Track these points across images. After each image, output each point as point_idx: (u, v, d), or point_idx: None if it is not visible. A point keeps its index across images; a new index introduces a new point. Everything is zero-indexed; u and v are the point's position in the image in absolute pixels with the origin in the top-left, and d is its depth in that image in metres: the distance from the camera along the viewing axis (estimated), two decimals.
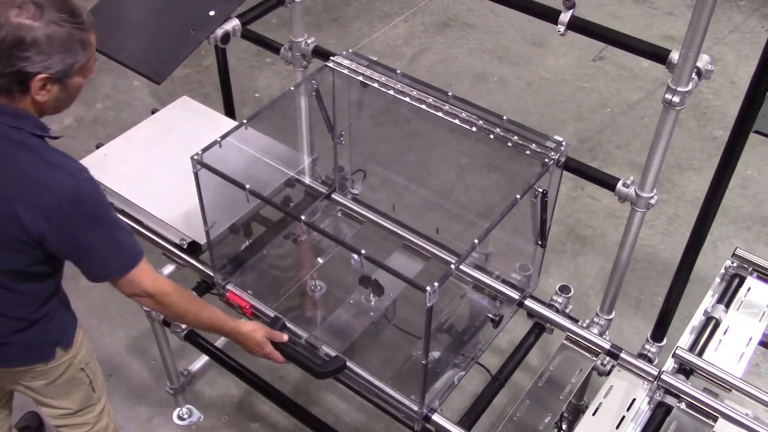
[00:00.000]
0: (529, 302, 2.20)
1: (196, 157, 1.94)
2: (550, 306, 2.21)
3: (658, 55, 1.88)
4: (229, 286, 2.20)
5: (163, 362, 2.54)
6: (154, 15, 2.54)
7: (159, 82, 2.38)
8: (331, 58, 2.27)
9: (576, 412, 2.39)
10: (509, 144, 2.01)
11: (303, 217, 1.97)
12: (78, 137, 3.72)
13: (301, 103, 2.32)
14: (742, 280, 2.22)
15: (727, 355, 2.01)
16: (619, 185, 2.06)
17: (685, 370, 1.99)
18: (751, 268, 2.24)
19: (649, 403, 1.96)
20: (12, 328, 1.78)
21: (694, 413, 1.91)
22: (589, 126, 4.01)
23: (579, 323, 2.18)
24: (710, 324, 2.10)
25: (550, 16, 1.98)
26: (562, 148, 1.98)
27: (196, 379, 2.75)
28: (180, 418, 2.73)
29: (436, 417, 1.93)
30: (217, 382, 2.85)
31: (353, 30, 4.69)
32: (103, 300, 3.07)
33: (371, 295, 2.18)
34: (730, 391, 1.91)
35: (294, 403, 2.35)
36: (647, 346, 2.24)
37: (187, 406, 2.74)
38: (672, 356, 1.99)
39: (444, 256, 2.31)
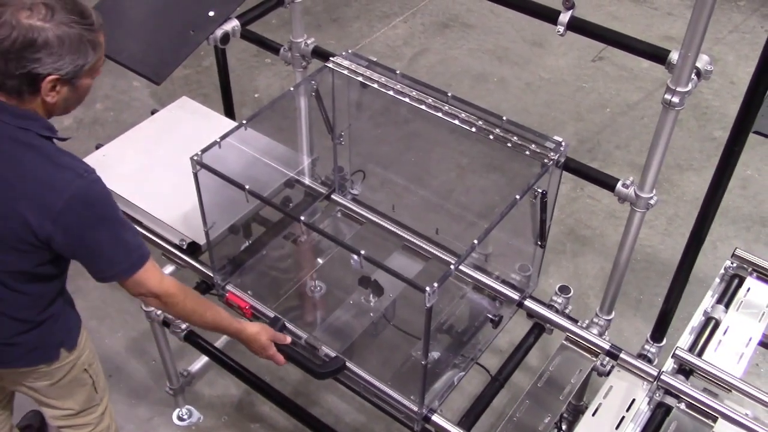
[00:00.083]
0: (528, 302, 2.20)
1: (195, 158, 1.94)
2: (549, 306, 2.21)
3: (657, 55, 1.88)
4: (228, 287, 2.20)
5: (162, 363, 2.54)
6: (153, 16, 2.54)
7: (158, 82, 2.38)
8: (331, 58, 2.27)
9: (576, 412, 2.39)
10: (509, 144, 2.01)
11: (303, 218, 1.97)
12: (78, 138, 3.72)
13: (300, 103, 2.32)
14: (742, 280, 2.22)
15: (727, 356, 2.01)
16: (619, 186, 2.06)
17: (684, 370, 1.99)
18: (750, 269, 2.24)
19: (648, 403, 1.96)
20: (17, 329, 1.78)
21: (693, 413, 1.91)
22: (589, 126, 4.01)
23: (579, 324, 2.18)
24: (710, 324, 2.10)
25: (550, 16, 1.99)
26: (562, 149, 1.98)
27: (196, 379, 2.75)
28: (180, 418, 2.73)
29: (435, 417, 1.93)
30: (216, 383, 2.85)
31: (353, 30, 4.69)
32: (103, 300, 3.07)
33: (371, 295, 2.18)
34: (730, 391, 1.91)
35: (294, 403, 2.35)
36: (647, 347, 2.24)
37: (187, 406, 2.74)
38: (672, 356, 1.99)
39: (444, 257, 2.31)
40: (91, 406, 2.07)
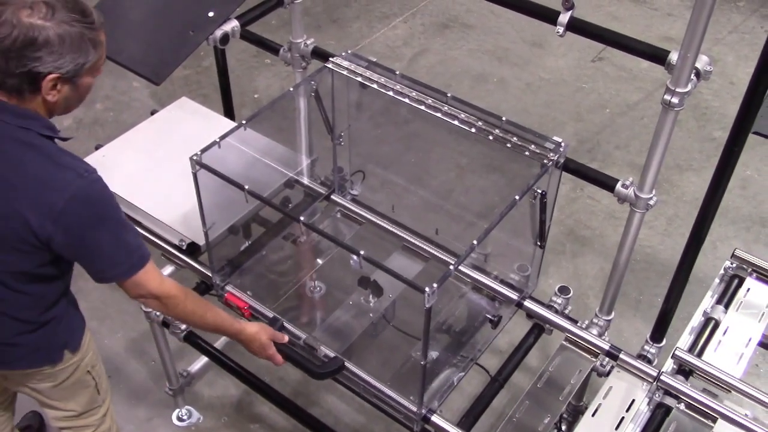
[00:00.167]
0: (528, 303, 2.20)
1: (195, 158, 1.94)
2: (549, 307, 2.21)
3: (657, 56, 1.88)
4: (228, 287, 2.20)
5: (162, 363, 2.54)
6: (153, 16, 2.54)
7: (158, 83, 2.38)
8: (331, 59, 2.27)
9: (575, 412, 2.39)
10: (508, 145, 2.01)
11: (302, 218, 1.97)
12: (77, 138, 3.71)
13: (300, 103, 2.32)
14: (742, 280, 2.22)
15: (727, 356, 2.01)
16: (618, 186, 2.06)
17: (684, 370, 1.99)
18: (750, 269, 2.24)
19: (648, 403, 1.96)
20: (19, 329, 1.77)
21: (693, 414, 1.91)
22: (589, 127, 4.01)
23: (578, 324, 2.18)
24: (709, 325, 2.10)
25: (550, 17, 1.98)
26: (561, 149, 1.98)
27: (196, 380, 2.75)
28: (179, 419, 2.73)
29: (435, 418, 1.93)
30: (216, 383, 2.84)
31: (353, 31, 4.69)
32: (103, 301, 3.07)
33: (370, 296, 2.18)
34: (730, 391, 1.91)
35: (293, 404, 2.35)
36: (646, 347, 2.24)
37: (187, 407, 2.74)
38: (671, 357, 1.99)
39: (443, 257, 2.31)
40: (93, 407, 2.07)
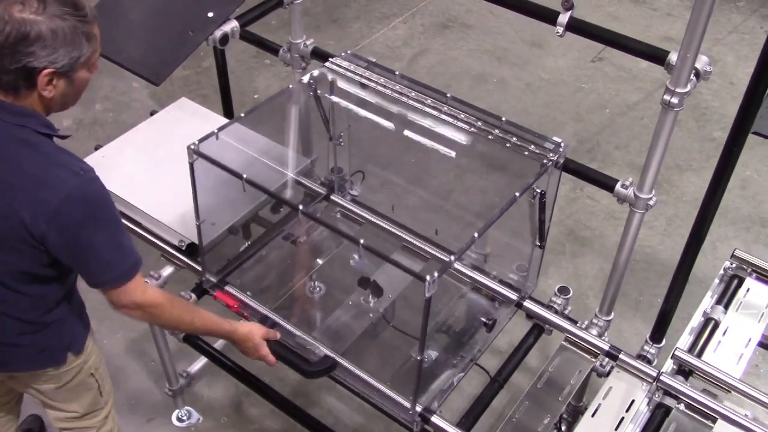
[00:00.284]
0: (528, 303, 2.20)
1: (192, 147, 1.92)
2: (549, 307, 2.21)
3: (656, 56, 1.88)
4: (228, 287, 2.20)
5: (162, 364, 2.54)
6: (152, 17, 2.54)
7: (158, 83, 2.38)
8: (330, 59, 2.27)
9: (575, 413, 2.39)
10: (508, 145, 2.01)
11: (300, 207, 1.94)
12: (77, 139, 3.71)
13: (299, 103, 2.32)
14: (741, 281, 2.22)
15: (726, 356, 2.01)
16: (618, 186, 2.06)
17: (684, 371, 1.99)
18: (750, 269, 2.24)
19: (648, 404, 1.96)
20: (22, 329, 1.77)
21: (693, 414, 1.91)
22: (588, 127, 4.01)
23: (578, 324, 2.18)
24: (709, 325, 2.10)
25: (549, 17, 1.98)
26: (561, 149, 1.98)
27: (195, 380, 2.75)
28: (179, 419, 2.73)
29: (435, 418, 1.93)
30: (216, 384, 2.84)
31: (352, 31, 4.69)
32: (101, 301, 3.02)
33: (370, 296, 2.18)
34: (729, 392, 1.91)
35: (293, 404, 2.35)
36: (646, 347, 2.23)
37: (186, 407, 2.74)
38: (671, 357, 1.99)
39: (443, 257, 2.31)
40: (96, 409, 2.07)
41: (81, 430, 2.08)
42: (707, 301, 2.18)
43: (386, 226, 2.41)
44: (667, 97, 1.83)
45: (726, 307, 2.14)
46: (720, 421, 1.87)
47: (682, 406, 1.93)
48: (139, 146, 2.51)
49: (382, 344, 2.17)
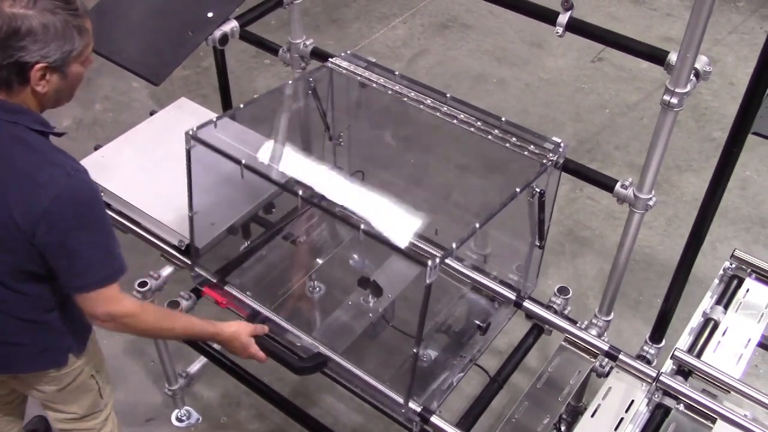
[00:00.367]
0: (527, 303, 2.20)
1: (190, 133, 1.89)
2: (548, 307, 2.21)
3: (656, 56, 1.88)
4: (228, 288, 2.20)
5: (161, 364, 2.54)
6: (152, 17, 2.54)
7: (157, 83, 2.38)
8: (330, 59, 2.27)
9: (574, 413, 2.39)
10: (508, 145, 2.01)
11: (300, 192, 1.92)
12: (77, 139, 3.72)
13: (298, 103, 2.32)
14: (741, 281, 2.22)
15: (726, 357, 2.01)
16: (618, 186, 2.06)
17: (683, 371, 1.99)
18: (749, 270, 2.24)
19: (647, 404, 1.96)
20: (22, 329, 1.77)
21: (692, 415, 1.91)
22: (588, 127, 4.01)
23: (578, 324, 2.17)
24: (709, 325, 2.10)
25: (549, 17, 1.98)
26: (561, 150, 1.98)
27: (195, 380, 2.75)
28: (179, 419, 2.73)
29: (434, 418, 1.93)
30: (215, 384, 2.84)
31: (352, 31, 4.69)
32: None
33: (370, 296, 2.18)
34: (729, 392, 1.91)
35: (292, 404, 2.35)
36: (646, 348, 2.24)
37: (186, 407, 2.74)
38: (671, 357, 1.99)
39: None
40: (95, 411, 2.07)
41: (80, 431, 2.08)
42: (707, 302, 2.18)
43: None
44: (666, 98, 1.83)
45: (726, 307, 2.14)
46: (719, 422, 1.87)
47: (681, 407, 1.92)
48: (138, 146, 2.50)
49: (381, 344, 2.17)
